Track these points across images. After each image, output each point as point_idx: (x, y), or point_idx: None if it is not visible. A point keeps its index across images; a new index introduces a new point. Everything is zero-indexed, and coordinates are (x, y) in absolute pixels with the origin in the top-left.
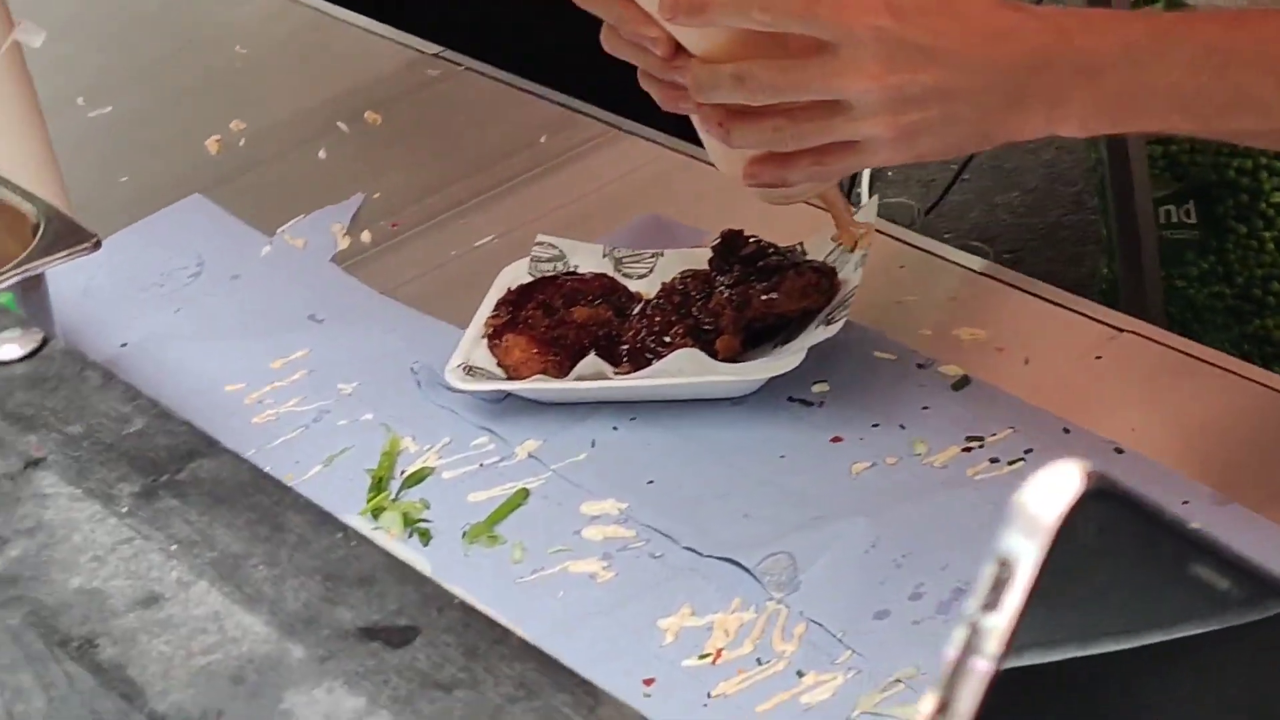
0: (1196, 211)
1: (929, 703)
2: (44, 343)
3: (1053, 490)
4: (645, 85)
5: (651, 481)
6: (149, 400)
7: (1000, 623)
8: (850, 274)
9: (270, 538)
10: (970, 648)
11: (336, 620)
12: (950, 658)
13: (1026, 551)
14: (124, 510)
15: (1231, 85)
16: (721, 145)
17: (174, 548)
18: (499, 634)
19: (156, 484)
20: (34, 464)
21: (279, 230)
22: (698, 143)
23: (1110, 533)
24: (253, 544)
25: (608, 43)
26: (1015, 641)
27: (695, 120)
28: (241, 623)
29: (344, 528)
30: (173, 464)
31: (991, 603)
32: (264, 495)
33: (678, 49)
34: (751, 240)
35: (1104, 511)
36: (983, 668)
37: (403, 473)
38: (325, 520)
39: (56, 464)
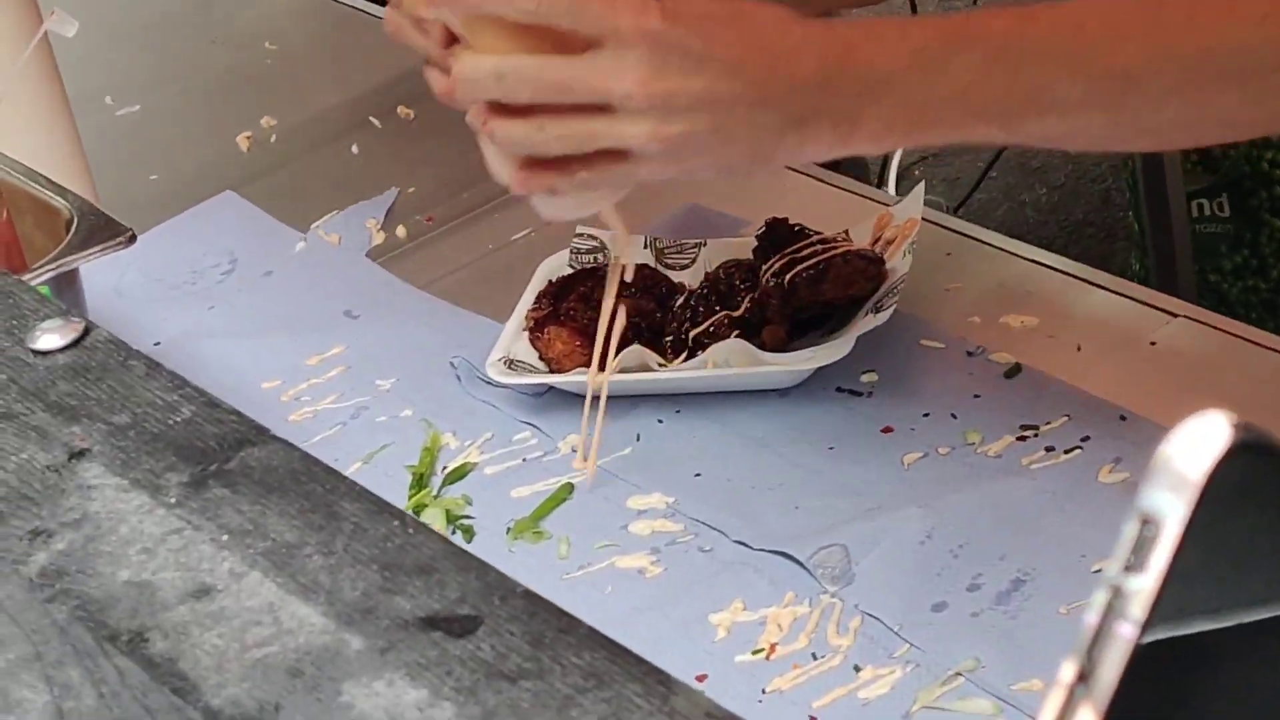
0: (1230, 205)
1: (1068, 671)
2: (86, 332)
3: (1199, 442)
4: (427, 74)
5: (699, 474)
6: (195, 389)
7: (1146, 584)
8: (898, 261)
9: (325, 526)
10: (1113, 612)
11: (396, 610)
12: (1091, 623)
13: (1172, 508)
14: (172, 501)
15: (1027, 83)
16: (494, 149)
17: (225, 538)
18: (565, 623)
19: (205, 473)
20: (79, 455)
21: (313, 226)
22: None
23: (1257, 488)
24: (306, 533)
25: (389, 24)
26: (1161, 604)
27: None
28: (297, 614)
29: (400, 515)
30: (222, 453)
31: (1135, 564)
32: (317, 484)
33: (454, 38)
34: (796, 228)
35: (1251, 465)
36: (1127, 633)
37: (444, 469)
38: (381, 508)
39: (102, 454)
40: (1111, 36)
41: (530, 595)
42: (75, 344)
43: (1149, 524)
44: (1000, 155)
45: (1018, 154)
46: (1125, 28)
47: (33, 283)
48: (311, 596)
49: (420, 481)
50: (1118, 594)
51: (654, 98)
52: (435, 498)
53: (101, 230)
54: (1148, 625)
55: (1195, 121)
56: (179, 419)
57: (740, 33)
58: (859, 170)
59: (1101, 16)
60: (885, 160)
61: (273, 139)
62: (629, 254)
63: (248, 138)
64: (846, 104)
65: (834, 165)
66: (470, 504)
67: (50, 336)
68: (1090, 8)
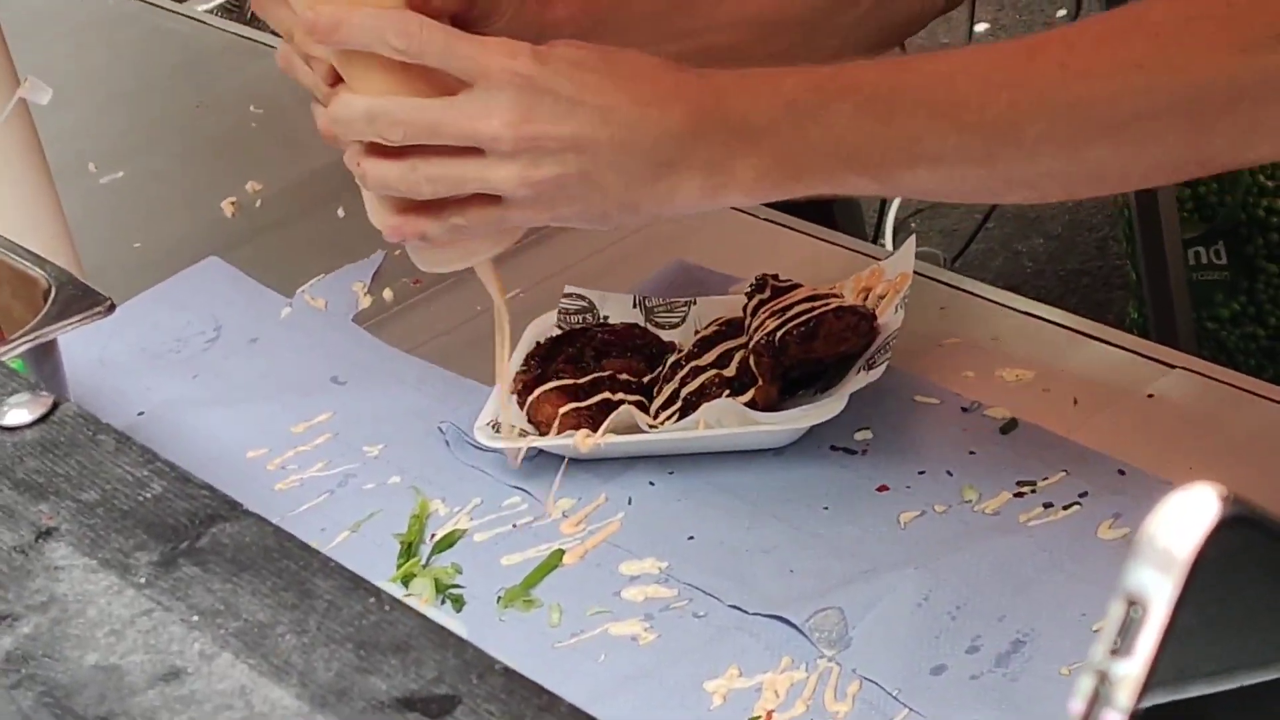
0: (1226, 252)
1: None
2: (54, 406)
3: (1185, 518)
4: (314, 110)
5: (692, 538)
6: (166, 463)
7: (1133, 669)
8: (890, 317)
9: (298, 605)
10: (1099, 699)
11: (371, 691)
12: (1076, 711)
13: (1159, 588)
14: (142, 580)
15: (899, 133)
16: (372, 195)
17: (196, 618)
18: (545, 701)
19: (176, 551)
20: (46, 534)
21: (299, 291)
22: None
23: (1245, 561)
24: (279, 612)
25: (281, 58)
26: (1148, 691)
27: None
28: (269, 696)
29: (376, 592)
30: (193, 530)
31: (1121, 647)
32: (290, 560)
33: (339, 77)
34: (786, 283)
35: (1238, 539)
36: None
37: (433, 537)
38: (356, 584)
39: (70, 533)
40: (983, 87)
41: (509, 673)
42: (44, 419)
43: (1135, 605)
44: (996, 207)
45: (1014, 205)
46: (997, 78)
47: (10, 354)
48: (284, 678)
49: (409, 550)
50: (1104, 680)
51: (522, 141)
52: (424, 567)
53: (80, 300)
54: (1135, 713)
55: (1068, 173)
56: (149, 495)
57: (611, 79)
58: (854, 225)
59: (973, 68)
60: (881, 214)
61: (258, 204)
62: (504, 317)
63: (233, 203)
64: (717, 153)
65: (829, 220)
66: (460, 572)
67: (18, 411)
68: (963, 59)
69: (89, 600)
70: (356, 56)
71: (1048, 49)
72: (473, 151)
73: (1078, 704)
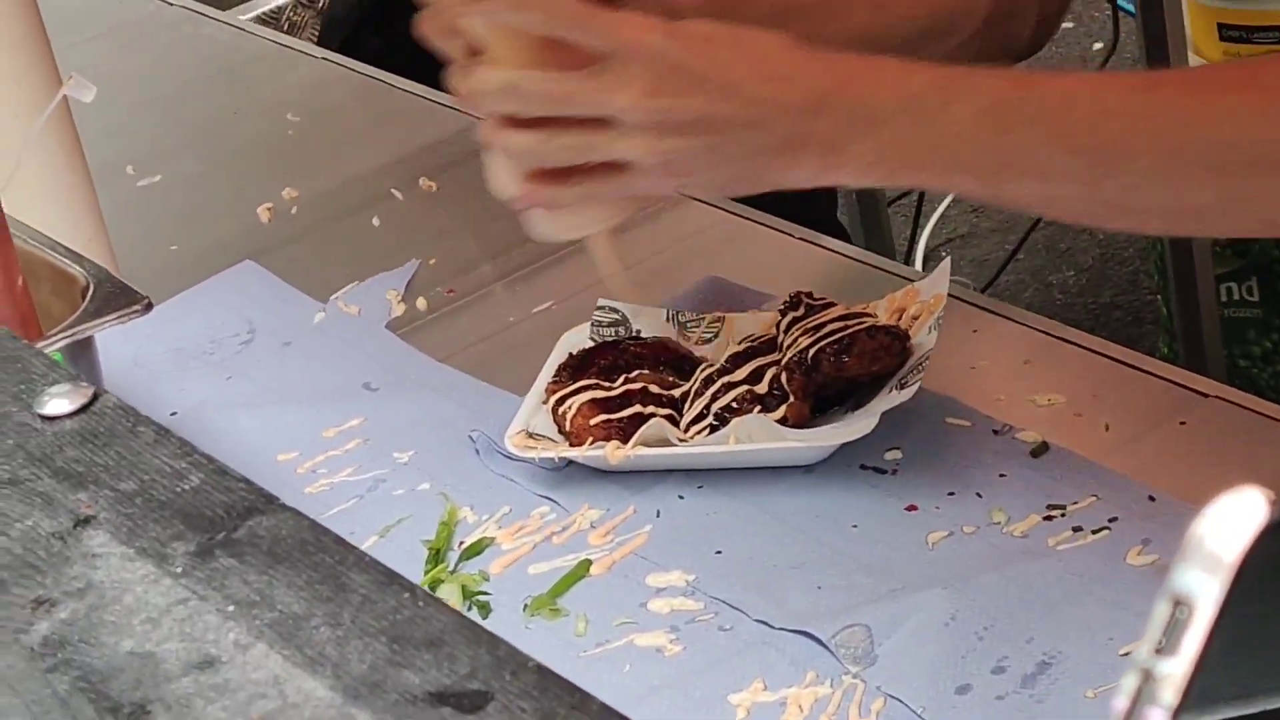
0: (1259, 289)
1: None
2: (95, 398)
3: (1233, 521)
4: (450, 77)
5: (719, 552)
6: (204, 456)
7: (1178, 668)
8: (924, 337)
9: (333, 598)
10: (1143, 697)
11: (404, 684)
12: (1120, 708)
13: (1205, 589)
14: (178, 570)
15: (1013, 144)
16: (502, 162)
17: (231, 609)
18: (578, 699)
19: (213, 542)
20: (84, 522)
21: (333, 297)
22: (757, 206)
23: None
24: (314, 604)
25: (426, 25)
26: (1193, 688)
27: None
28: (303, 687)
29: (411, 587)
30: (230, 522)
31: (1166, 646)
32: (326, 554)
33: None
34: (820, 302)
35: None
36: (1158, 719)
37: (461, 544)
38: (390, 579)
39: (108, 522)
40: (1099, 113)
41: (542, 670)
42: (83, 410)
43: (1181, 606)
44: (1028, 237)
45: (1046, 236)
46: (1114, 107)
47: (47, 350)
48: (318, 669)
49: (437, 556)
50: (1148, 678)
51: (651, 112)
52: (451, 573)
53: (117, 297)
54: (1179, 710)
55: (1169, 210)
56: (187, 486)
57: (740, 55)
58: (884, 250)
59: (1094, 92)
60: (912, 241)
61: (294, 210)
62: (616, 286)
63: (269, 209)
64: (837, 133)
65: (840, 233)
66: (487, 580)
67: (59, 401)
68: (1085, 82)
69: (126, 588)
70: (497, 30)
71: (1165, 87)
72: (603, 123)
73: (1122, 701)
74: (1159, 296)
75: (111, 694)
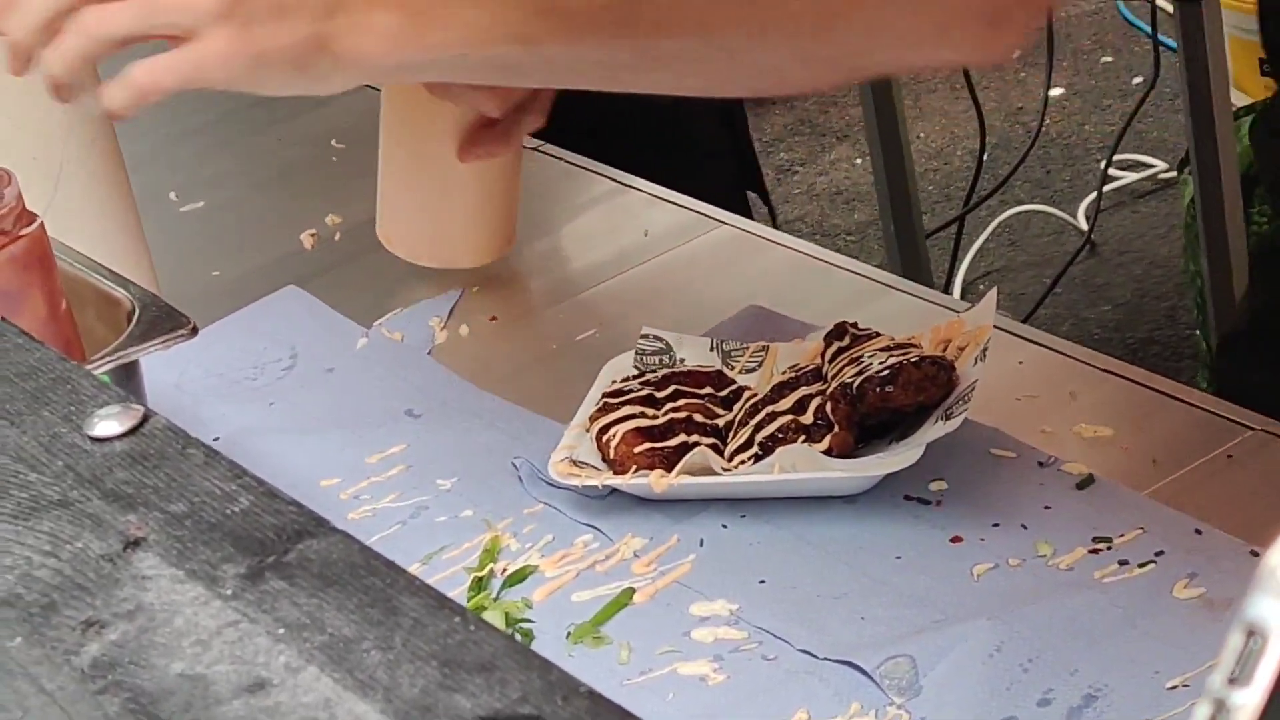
0: None
1: None
2: (145, 419)
3: None
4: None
5: (763, 581)
6: (254, 479)
7: (1252, 699)
8: (969, 368)
9: (384, 621)
10: None
11: (455, 708)
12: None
13: None
14: (229, 593)
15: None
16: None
17: (282, 631)
18: None
19: (263, 565)
20: (134, 544)
21: (375, 323)
22: (798, 234)
23: None
24: (365, 628)
25: None
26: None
27: None
28: (354, 710)
29: (461, 611)
30: (280, 544)
31: (1240, 676)
32: (376, 577)
33: None
34: (865, 332)
35: None
36: None
37: (504, 571)
38: (441, 604)
39: (158, 544)
40: None
41: (594, 696)
42: (133, 431)
43: (1254, 636)
44: (1065, 271)
45: (1083, 271)
46: None
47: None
48: (369, 693)
49: (480, 584)
50: (1221, 708)
51: None
52: (495, 600)
53: (163, 322)
54: None
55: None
56: (237, 509)
57: None
58: (923, 283)
59: None
60: (950, 273)
61: (337, 237)
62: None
63: (312, 235)
64: None
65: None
66: (529, 607)
67: (108, 423)
68: None
69: (176, 610)
70: None
71: None
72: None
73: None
74: (1198, 331)
75: (162, 716)
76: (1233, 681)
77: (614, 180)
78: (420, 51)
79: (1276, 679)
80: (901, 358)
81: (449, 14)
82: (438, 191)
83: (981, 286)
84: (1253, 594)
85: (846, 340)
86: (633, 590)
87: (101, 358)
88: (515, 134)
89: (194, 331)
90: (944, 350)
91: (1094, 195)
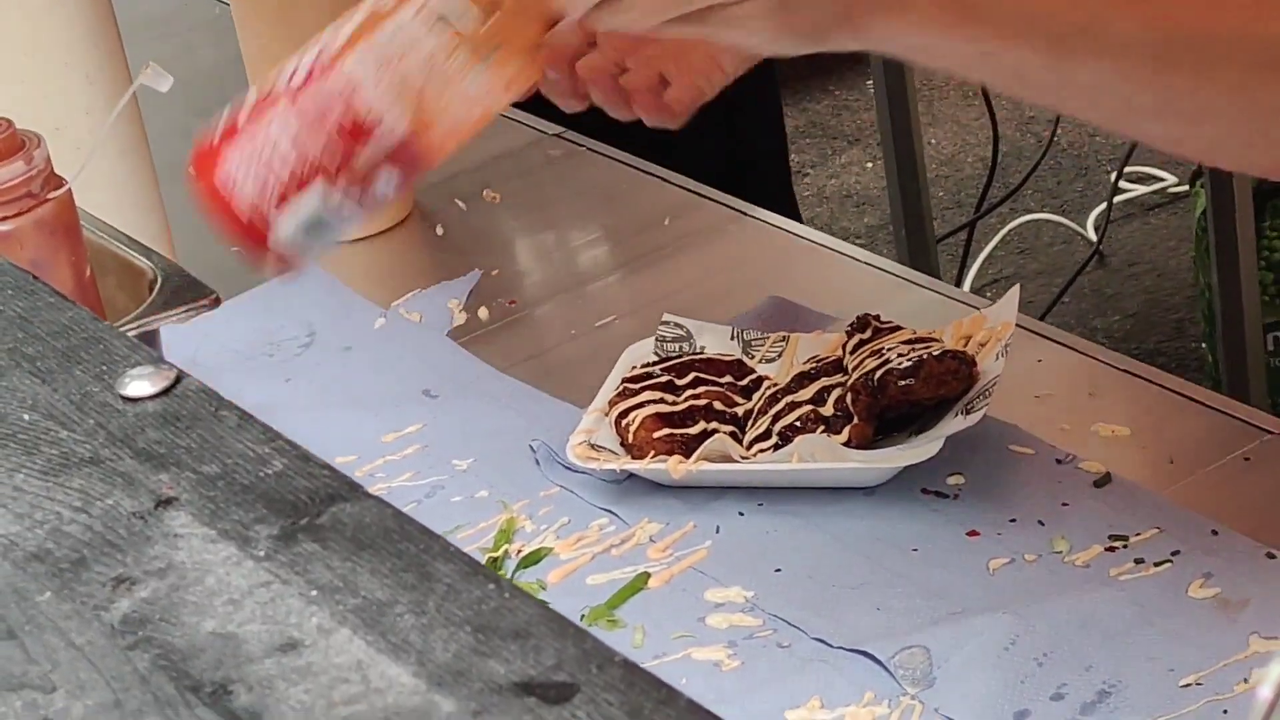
0: None
1: None
2: (177, 380)
3: None
4: None
5: (779, 570)
6: (287, 442)
7: None
8: (990, 364)
9: (417, 586)
10: None
11: (489, 674)
12: (1264, 697)
13: None
14: (261, 553)
15: (1087, 11)
16: None
17: (314, 593)
18: (665, 694)
19: (296, 527)
20: (166, 503)
21: (394, 304)
22: (818, 227)
23: None
24: (398, 592)
25: None
26: None
27: None
28: (386, 673)
29: (496, 579)
30: (313, 507)
31: None
32: (410, 542)
33: None
34: (887, 325)
35: None
36: None
37: (519, 552)
38: (476, 570)
39: (190, 504)
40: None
41: (629, 665)
42: (166, 392)
43: None
44: (1074, 280)
45: (1092, 280)
46: None
47: None
48: (402, 656)
49: (494, 564)
50: None
51: None
52: (509, 581)
53: (185, 292)
54: None
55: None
56: (270, 471)
57: None
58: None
59: None
60: (959, 279)
61: None
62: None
63: None
64: None
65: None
66: (544, 589)
67: (140, 383)
68: None
69: (207, 569)
70: None
71: None
72: None
73: (1266, 691)
74: (1204, 344)
75: (192, 673)
76: None
77: (636, 168)
78: (956, 41)
79: None
80: (923, 352)
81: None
82: None
83: (989, 294)
84: None
85: (869, 333)
86: (648, 575)
87: (124, 324)
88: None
89: (216, 302)
90: (965, 345)
91: (1104, 206)
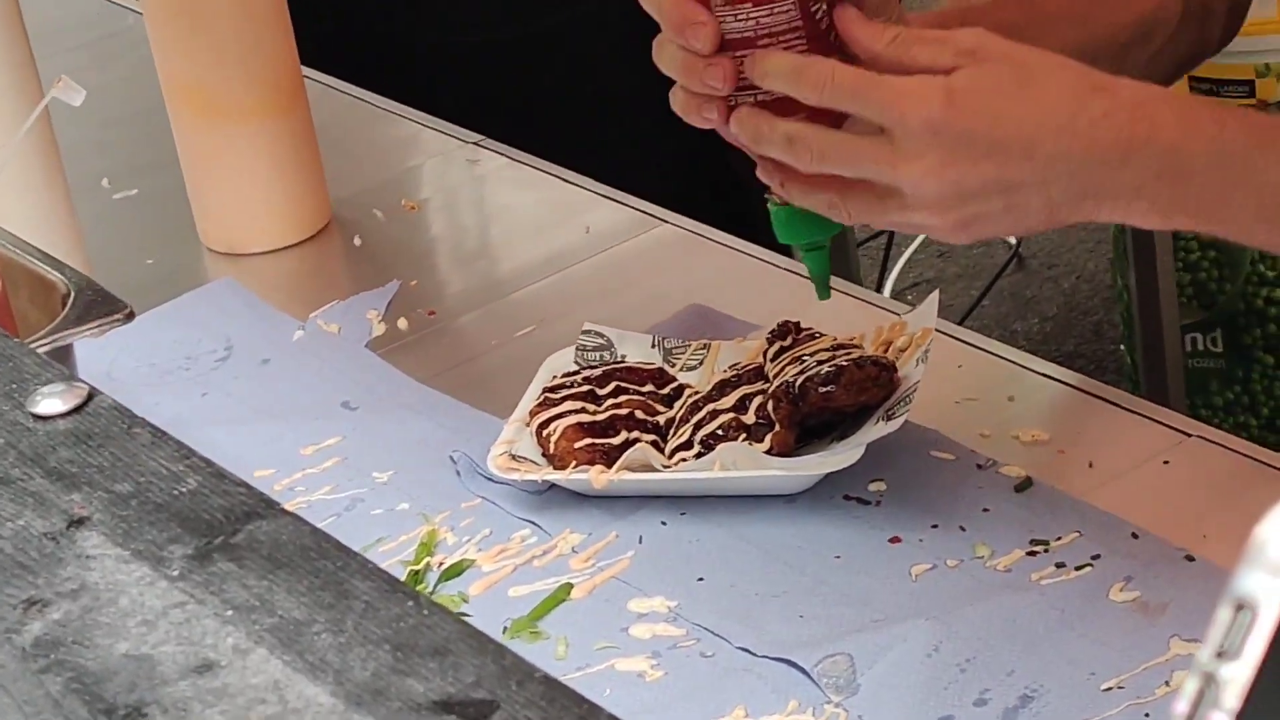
0: (1223, 341)
1: None
2: (89, 398)
3: None
4: (673, 98)
5: (701, 579)
6: (201, 459)
7: (1241, 672)
8: (911, 370)
9: (335, 604)
10: (1205, 700)
11: (408, 692)
12: (1181, 712)
13: (1270, 591)
14: (175, 573)
15: None
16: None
17: (230, 613)
18: (586, 709)
19: (211, 546)
20: (78, 523)
21: (312, 315)
22: (741, 234)
23: None
24: (316, 610)
25: (658, 51)
26: (1256, 694)
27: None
28: (304, 693)
29: (415, 595)
30: (228, 526)
31: (1228, 650)
32: (327, 560)
33: (722, 45)
34: (807, 332)
35: None
36: None
37: (440, 564)
38: (395, 587)
39: (102, 524)
40: None
41: (549, 680)
42: (77, 410)
43: (1244, 609)
44: (993, 284)
45: (1011, 284)
46: None
47: None
48: (320, 675)
49: (416, 577)
50: (1210, 681)
51: (945, 184)
52: (431, 594)
53: (99, 306)
54: (1241, 715)
55: None
56: (184, 490)
57: (1030, 107)
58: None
59: None
60: (880, 283)
61: None
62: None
63: None
64: (1142, 182)
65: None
66: (466, 601)
67: (51, 401)
68: None
69: (121, 590)
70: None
71: None
72: (888, 187)
73: (1183, 705)
74: (1123, 346)
75: (106, 696)
76: (1221, 655)
77: (556, 177)
78: (1129, 223)
79: (1266, 652)
80: (844, 358)
81: (1165, 200)
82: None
83: (909, 297)
84: (1242, 568)
85: (789, 340)
86: (570, 585)
87: (35, 341)
88: None
89: (130, 316)
90: (885, 352)
91: None
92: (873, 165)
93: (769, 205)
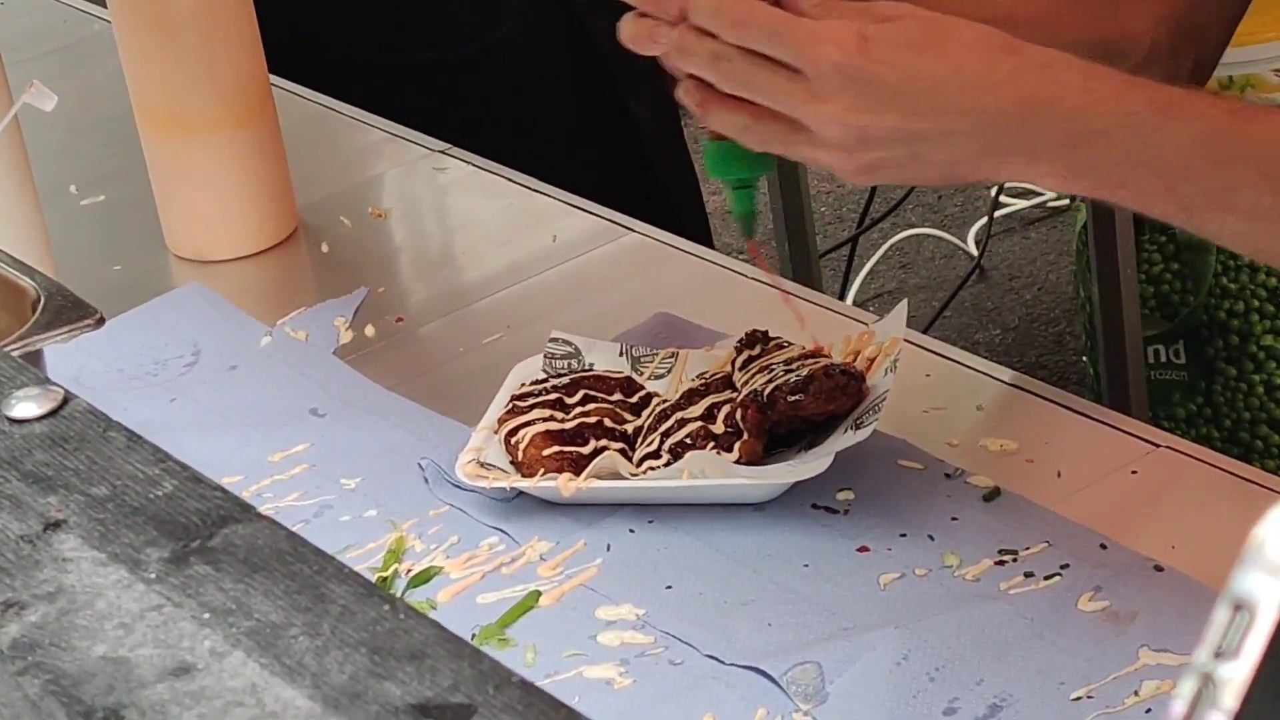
0: (1186, 352)
1: None
2: (65, 401)
3: None
4: (623, 30)
5: (670, 587)
6: (177, 463)
7: (1238, 673)
8: (880, 379)
9: (311, 608)
10: (1203, 700)
11: (385, 696)
12: (1179, 713)
13: (1269, 591)
14: (152, 576)
15: (1224, 177)
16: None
17: (207, 616)
18: (564, 715)
19: (188, 550)
20: (54, 526)
21: (279, 322)
22: (707, 244)
23: None
24: (293, 614)
25: (626, 32)
26: (1254, 694)
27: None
28: (281, 696)
29: (391, 600)
30: (205, 529)
31: (1227, 650)
32: (304, 564)
33: None
34: (775, 341)
35: None
36: None
37: (409, 571)
38: (371, 591)
39: (79, 526)
40: None
41: (526, 685)
42: (53, 413)
43: (1241, 610)
44: (955, 295)
45: (973, 295)
46: None
47: None
48: (297, 679)
49: (384, 584)
50: (1208, 682)
51: (849, 128)
52: (403, 602)
53: (69, 311)
54: (1239, 715)
55: None
56: (160, 493)
57: (941, 62)
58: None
59: None
60: (842, 293)
61: None
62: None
63: None
64: (1045, 143)
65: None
66: (434, 608)
67: (27, 405)
68: None
69: (98, 593)
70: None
71: None
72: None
73: (1180, 705)
74: (1085, 358)
75: (84, 698)
76: (1219, 655)
77: (523, 185)
78: (1031, 183)
79: (1264, 652)
80: (812, 367)
81: (1066, 163)
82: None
83: (871, 307)
84: (1240, 568)
85: (758, 349)
86: (539, 593)
87: (7, 345)
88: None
89: (100, 322)
90: (854, 361)
91: (984, 220)
92: (785, 99)
93: (702, 142)
